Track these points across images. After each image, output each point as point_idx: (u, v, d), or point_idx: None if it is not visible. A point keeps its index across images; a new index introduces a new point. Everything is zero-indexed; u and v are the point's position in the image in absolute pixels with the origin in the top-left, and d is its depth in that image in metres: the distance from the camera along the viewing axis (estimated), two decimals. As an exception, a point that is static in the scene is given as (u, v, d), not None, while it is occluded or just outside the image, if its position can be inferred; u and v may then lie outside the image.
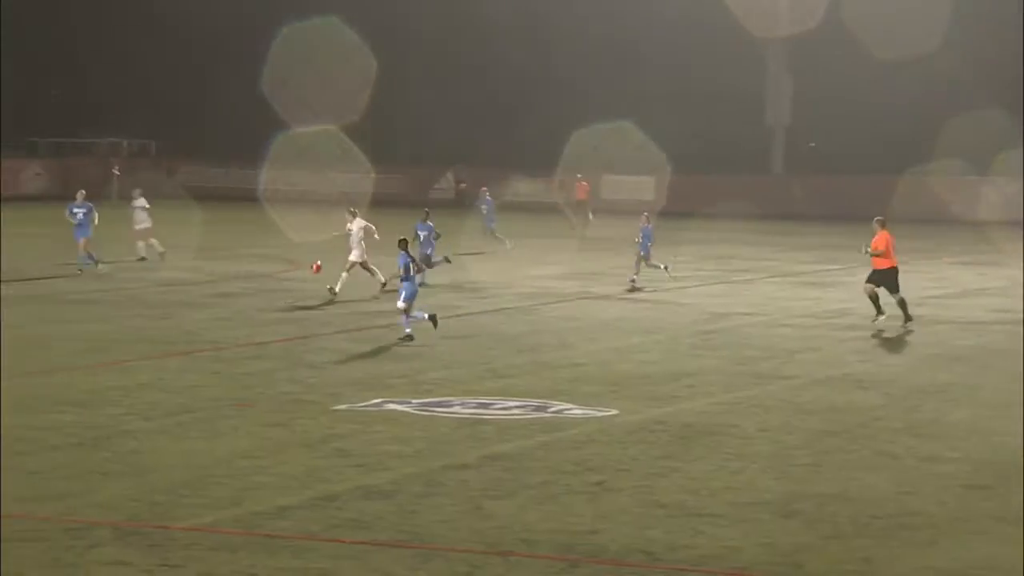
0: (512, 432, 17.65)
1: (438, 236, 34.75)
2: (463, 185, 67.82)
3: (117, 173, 67.89)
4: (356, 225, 31.76)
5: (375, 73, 72.03)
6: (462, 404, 19.38)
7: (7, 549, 12.34)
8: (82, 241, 36.17)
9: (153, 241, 39.12)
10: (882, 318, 27.49)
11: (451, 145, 70.09)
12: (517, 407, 19.23)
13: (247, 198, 69.50)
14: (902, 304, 27.60)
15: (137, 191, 41.05)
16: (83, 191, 37.77)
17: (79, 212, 36.35)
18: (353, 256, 31.56)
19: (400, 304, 25.10)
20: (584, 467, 15.78)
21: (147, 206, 39.97)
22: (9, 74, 76.92)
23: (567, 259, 41.73)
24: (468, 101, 71.71)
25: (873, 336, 26.67)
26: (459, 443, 17.02)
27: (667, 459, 16.29)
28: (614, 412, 18.94)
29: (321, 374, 21.62)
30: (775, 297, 33.04)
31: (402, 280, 25.15)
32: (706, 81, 68.14)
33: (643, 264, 34.29)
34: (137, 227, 39.82)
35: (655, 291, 33.33)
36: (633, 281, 34.05)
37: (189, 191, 70.07)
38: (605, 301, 31.78)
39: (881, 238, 27.67)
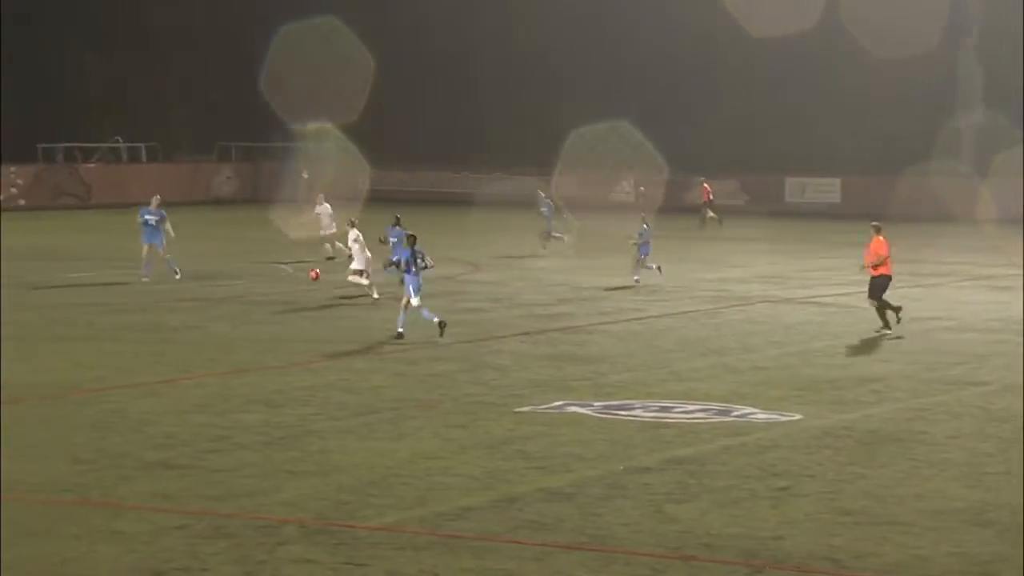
0: (694, 436, 17.52)
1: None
2: (643, 189, 67.60)
3: (305, 177, 69.01)
4: (352, 236, 31.76)
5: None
6: (644, 407, 19.30)
7: (197, 545, 12.59)
8: (146, 247, 34.75)
9: (334, 245, 39.68)
10: (887, 331, 26.50)
11: (629, 148, 69.87)
12: (699, 410, 19.08)
13: (435, 201, 70.02)
14: (880, 309, 26.82)
15: (321, 195, 41.80)
16: (158, 196, 36.75)
17: (151, 218, 35.25)
18: (356, 264, 31.44)
19: (414, 301, 25.33)
20: (768, 472, 15.60)
21: (331, 211, 40.59)
22: (210, 83, 78.84)
23: (749, 262, 41.32)
24: (646, 103, 71.41)
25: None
26: (641, 446, 16.95)
27: (853, 465, 16.03)
28: (799, 417, 18.70)
29: (502, 376, 21.70)
30: (964, 301, 32.33)
31: (406, 273, 25.48)
32: (891, 80, 66.94)
33: (641, 264, 34.96)
34: (323, 232, 40.57)
35: (840, 294, 32.85)
36: (637, 281, 34.61)
37: (383, 194, 71.00)
38: (788, 304, 31.41)
39: (876, 244, 26.95)
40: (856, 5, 64.66)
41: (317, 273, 31.02)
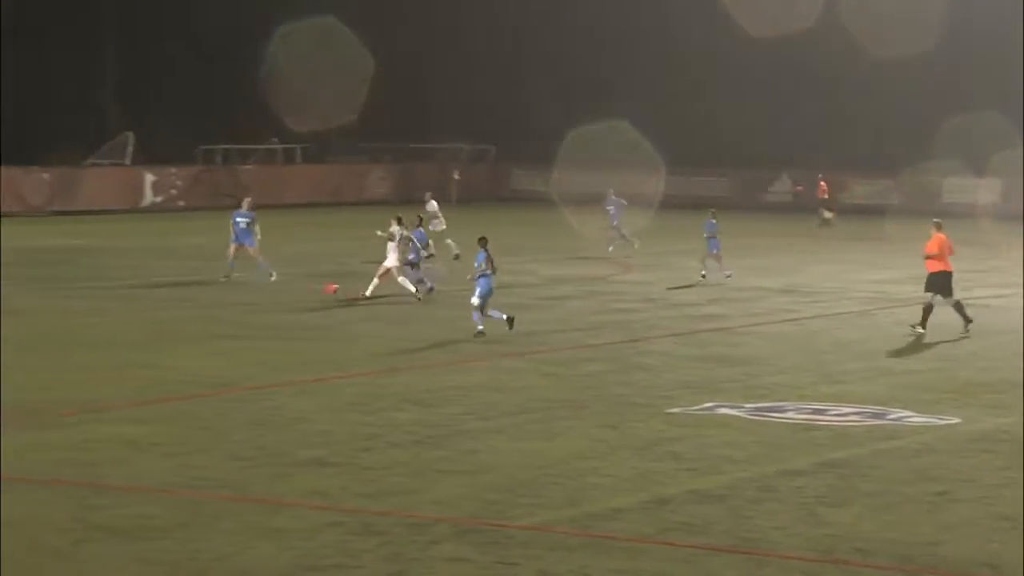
0: (848, 439, 17.32)
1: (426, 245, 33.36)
2: (800, 188, 66.91)
3: (457, 178, 69.46)
4: (397, 233, 31.57)
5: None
6: (796, 409, 19.12)
7: (350, 542, 12.75)
8: (234, 247, 34.76)
9: (449, 242, 40.19)
10: (920, 331, 25.90)
11: (779, 147, 69.13)
12: (853, 413, 18.86)
13: (584, 201, 69.95)
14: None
15: (428, 194, 42.18)
16: (249, 199, 36.77)
17: (243, 220, 35.28)
18: (388, 262, 31.22)
19: (474, 300, 25.46)
20: (924, 476, 15.37)
21: (438, 213, 41.10)
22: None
23: (903, 263, 40.69)
24: (797, 103, 70.62)
25: None
26: (793, 448, 16.80)
27: (1011, 470, 15.73)
28: (955, 420, 18.40)
29: (653, 377, 21.65)
30: None
31: (479, 277, 25.49)
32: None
33: (714, 261, 35.01)
34: (432, 229, 41.07)
35: (996, 296, 32.23)
36: (704, 277, 34.74)
37: (525, 194, 71.21)
38: (942, 306, 30.85)
39: (935, 241, 26.40)
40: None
41: (334, 288, 30.77)
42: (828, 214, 55.37)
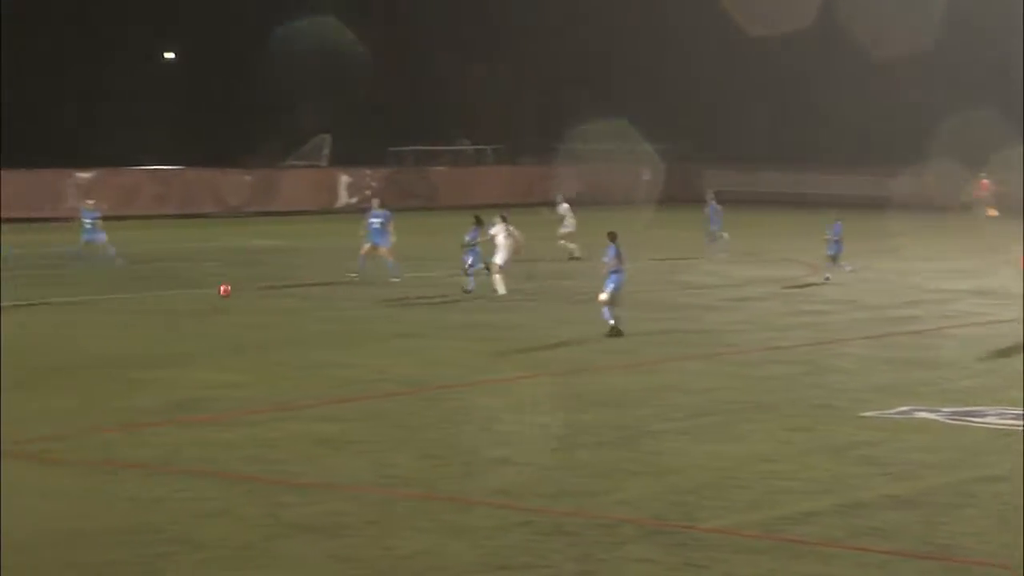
0: (1048, 445, 16.85)
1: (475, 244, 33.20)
2: (997, 188, 65.37)
3: (646, 178, 69.27)
4: (501, 230, 32.21)
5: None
6: (998, 414, 18.64)
7: (539, 542, 12.77)
8: (367, 247, 35.28)
9: (571, 245, 40.45)
10: None
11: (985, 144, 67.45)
12: (1054, 419, 18.33)
13: (767, 201, 69.31)
14: None
15: (559, 195, 42.98)
16: (377, 199, 36.92)
17: (376, 221, 35.83)
18: (497, 259, 31.91)
19: (603, 296, 25.44)
20: None
21: (568, 213, 41.44)
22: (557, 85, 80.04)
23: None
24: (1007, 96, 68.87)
25: None
26: (992, 454, 16.40)
27: None
28: None
29: (844, 380, 21.32)
30: None
31: (610, 273, 25.51)
32: None
33: (833, 263, 34.97)
34: (562, 230, 41.32)
35: None
36: (828, 279, 34.76)
37: (724, 195, 70.68)
38: None
39: None
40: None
41: (227, 289, 31.08)
42: (991, 211, 55.15)
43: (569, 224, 41.50)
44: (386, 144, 74.02)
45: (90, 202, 42.17)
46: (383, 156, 72.81)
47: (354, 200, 65.59)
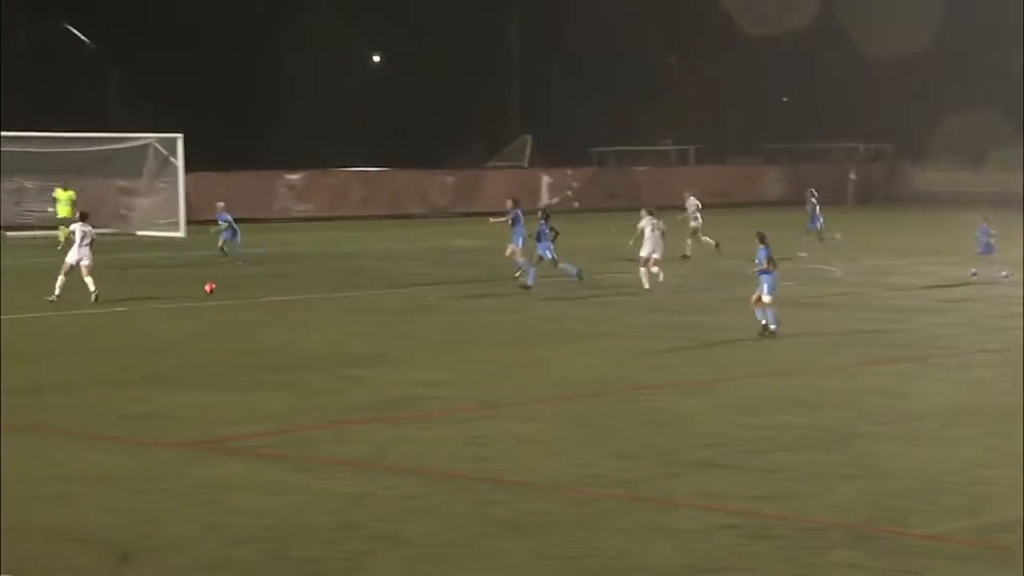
0: None
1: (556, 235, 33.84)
2: None
3: (853, 178, 68.27)
4: (648, 224, 33.18)
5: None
6: None
7: (744, 545, 12.63)
8: (510, 249, 35.12)
9: (698, 240, 40.97)
10: None
11: None
12: None
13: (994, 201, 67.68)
14: None
15: (687, 193, 42.97)
16: (510, 200, 36.67)
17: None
18: (643, 252, 32.92)
19: (765, 297, 25.17)
20: None
21: (699, 206, 41.78)
22: (737, 82, 79.26)
23: None
24: None
25: None
26: None
27: None
28: None
29: (1061, 384, 20.68)
30: None
31: (760, 274, 25.43)
32: None
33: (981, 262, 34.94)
34: (691, 224, 41.74)
35: None
36: (974, 274, 35.20)
37: (926, 195, 69.41)
38: None
39: None
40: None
41: (211, 286, 31.32)
42: None
43: (695, 222, 41.54)
44: (588, 145, 74.14)
45: (220, 204, 42.89)
46: (585, 157, 72.94)
47: (555, 200, 65.81)
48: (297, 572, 11.90)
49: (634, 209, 53.69)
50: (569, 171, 67.77)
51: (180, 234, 50.97)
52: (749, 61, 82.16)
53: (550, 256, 33.52)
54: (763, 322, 25.53)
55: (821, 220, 43.98)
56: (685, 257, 40.13)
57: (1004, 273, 34.96)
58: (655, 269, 33.01)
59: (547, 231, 33.57)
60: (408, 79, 78.10)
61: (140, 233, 51.11)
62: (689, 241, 41.34)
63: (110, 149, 52.98)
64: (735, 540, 12.78)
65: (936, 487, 14.70)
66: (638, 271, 32.91)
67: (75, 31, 69.44)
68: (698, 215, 42.06)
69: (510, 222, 34.89)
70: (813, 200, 43.91)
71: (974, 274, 35.18)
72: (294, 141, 67.33)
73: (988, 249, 35.35)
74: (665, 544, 12.68)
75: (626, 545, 12.65)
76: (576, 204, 66.24)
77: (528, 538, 12.83)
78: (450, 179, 63.16)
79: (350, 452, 16.24)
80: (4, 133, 50.50)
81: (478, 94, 76.74)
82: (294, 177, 59.91)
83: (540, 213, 35.05)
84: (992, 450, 16.50)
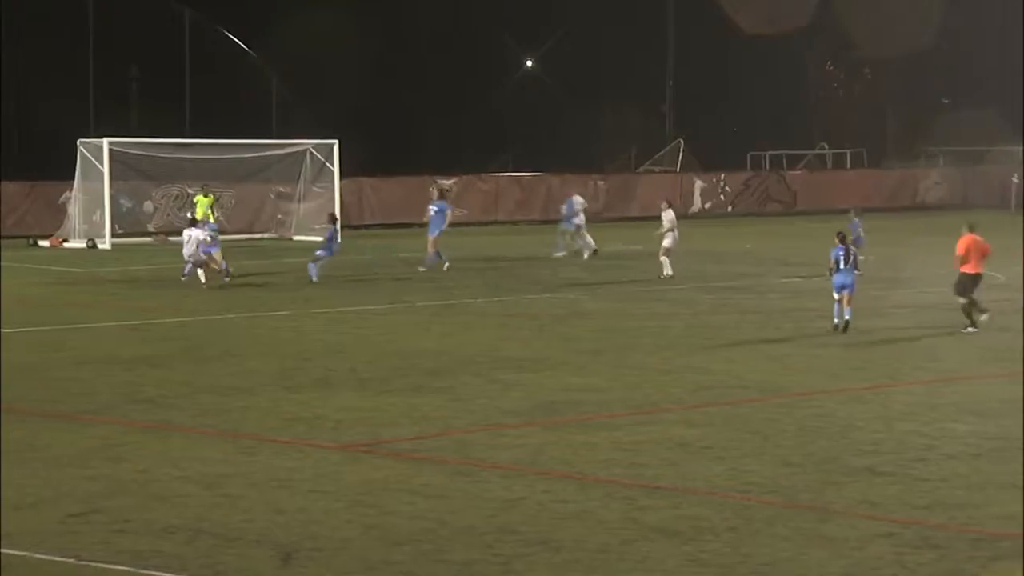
0: None
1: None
2: None
3: (1016, 181, 66.90)
4: (667, 216, 36.28)
5: None
6: None
7: (905, 554, 12.37)
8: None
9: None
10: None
11: None
12: None
13: None
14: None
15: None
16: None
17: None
18: (666, 242, 35.98)
19: (835, 294, 26.32)
20: None
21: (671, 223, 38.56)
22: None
23: None
24: None
25: None
26: None
27: None
28: None
29: None
30: None
31: (836, 273, 26.29)
32: None
33: None
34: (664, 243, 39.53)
35: None
36: None
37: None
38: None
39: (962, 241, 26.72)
40: None
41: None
42: None
43: (669, 236, 36.61)
44: (746, 149, 73.61)
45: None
46: (740, 161, 72.42)
47: (708, 205, 65.45)
48: (452, 575, 11.92)
49: (791, 214, 53.30)
50: (723, 175, 67.34)
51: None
52: (907, 64, 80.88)
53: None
54: (835, 320, 26.27)
55: (861, 238, 39.86)
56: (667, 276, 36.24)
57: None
58: (663, 258, 35.89)
59: None
60: (561, 82, 78.18)
61: (296, 238, 51.77)
62: (661, 258, 36.66)
63: (268, 156, 53.76)
64: (895, 549, 12.53)
65: (1109, 499, 14.27)
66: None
67: (234, 38, 70.65)
68: (671, 227, 36.85)
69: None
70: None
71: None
72: (447, 146, 67.77)
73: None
74: (821, 552, 12.47)
75: (781, 553, 12.47)
76: (730, 209, 65.82)
77: (681, 544, 12.71)
78: (602, 184, 63.08)
79: (505, 456, 16.24)
80: (166, 140, 51.57)
81: (632, 98, 76.53)
82: (448, 182, 60.29)
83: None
84: None
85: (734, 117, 76.52)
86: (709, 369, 22.43)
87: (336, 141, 52.79)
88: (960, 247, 27.01)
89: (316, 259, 35.76)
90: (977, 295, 27.08)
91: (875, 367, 22.78)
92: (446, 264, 37.93)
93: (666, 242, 36.26)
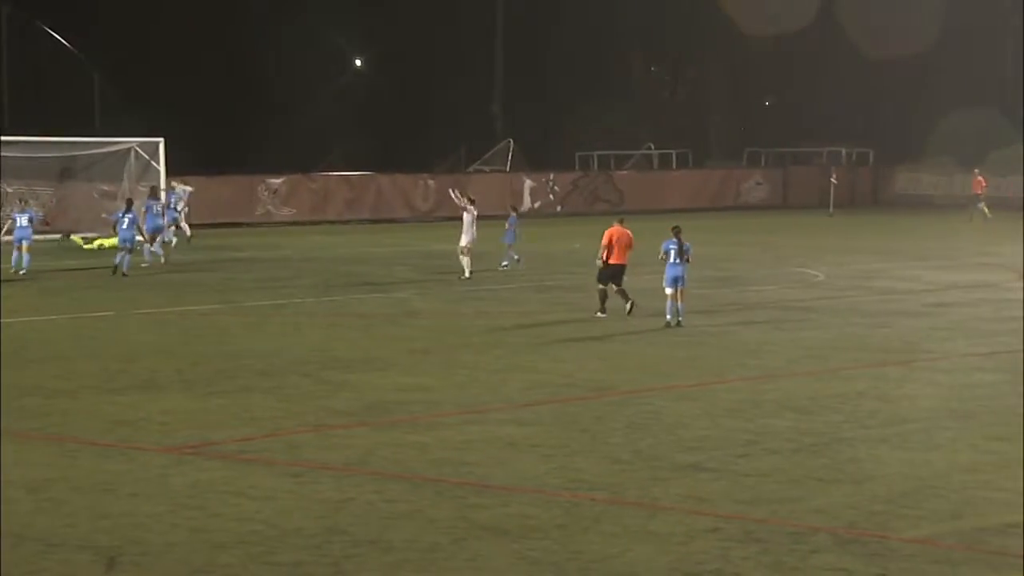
0: None
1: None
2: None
3: (834, 182, 68.34)
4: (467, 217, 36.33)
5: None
6: None
7: (729, 549, 12.60)
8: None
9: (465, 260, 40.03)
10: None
11: None
12: None
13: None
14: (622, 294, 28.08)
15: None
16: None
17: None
18: (463, 241, 36.12)
19: (667, 290, 27.07)
20: None
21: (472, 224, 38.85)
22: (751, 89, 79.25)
23: None
24: None
25: None
26: None
27: None
28: None
29: (1048, 388, 20.69)
30: None
31: (669, 265, 27.01)
32: None
33: None
34: (462, 242, 39.84)
35: None
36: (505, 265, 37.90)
37: (909, 199, 69.48)
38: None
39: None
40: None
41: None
42: (984, 209, 56.71)
43: (468, 235, 36.39)
44: (573, 149, 74.14)
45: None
46: (569, 161, 72.94)
47: (538, 204, 65.84)
48: (281, 577, 11.84)
49: (617, 214, 53.84)
50: (552, 175, 67.79)
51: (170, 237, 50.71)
52: (733, 63, 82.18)
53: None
54: (667, 316, 26.91)
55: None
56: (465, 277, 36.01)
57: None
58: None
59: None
60: (391, 82, 78.03)
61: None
62: (464, 259, 36.39)
63: (94, 153, 52.77)
64: (720, 544, 12.75)
65: (923, 491, 14.68)
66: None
67: (57, 36, 69.29)
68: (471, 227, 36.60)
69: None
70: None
71: (505, 265, 38.04)
72: (277, 145, 67.21)
73: (512, 238, 38.51)
74: (648, 548, 12.64)
75: (609, 549, 12.61)
76: (559, 208, 66.31)
77: (511, 542, 12.79)
78: (432, 183, 63.13)
79: (335, 456, 16.18)
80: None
81: (461, 98, 76.66)
82: (277, 181, 59.81)
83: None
84: (980, 454, 16.50)
85: (559, 117, 77.03)
86: (539, 368, 22.57)
87: (161, 140, 51.99)
88: (605, 238, 28.74)
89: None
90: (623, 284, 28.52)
91: (701, 365, 23.13)
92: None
93: (463, 240, 36.40)
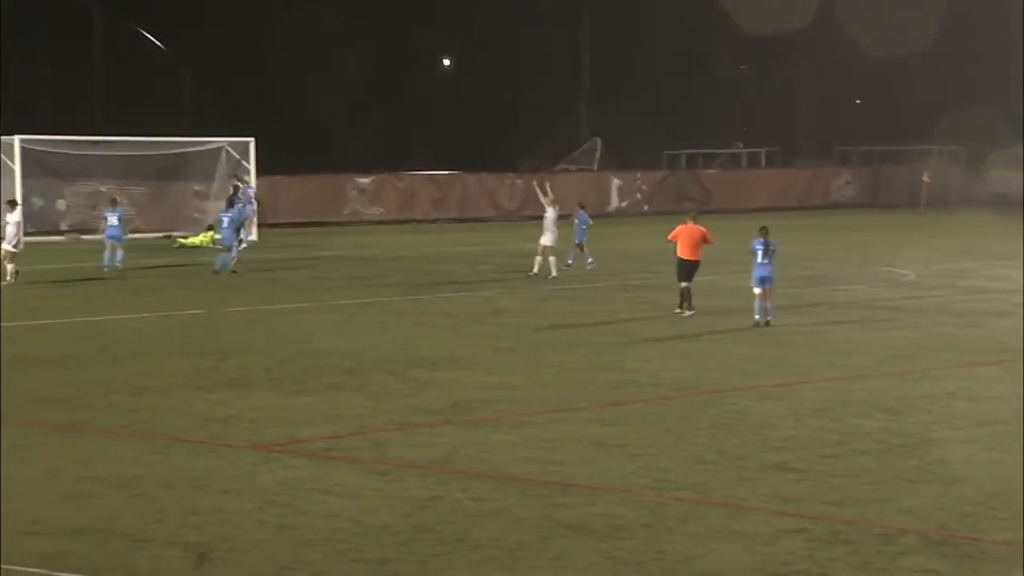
0: None
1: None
2: None
3: (926, 180, 67.71)
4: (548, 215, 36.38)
5: None
6: None
7: (816, 549, 12.50)
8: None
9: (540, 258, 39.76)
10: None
11: None
12: None
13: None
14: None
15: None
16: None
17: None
18: (544, 240, 36.34)
19: (756, 289, 27.02)
20: None
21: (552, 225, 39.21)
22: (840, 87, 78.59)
23: None
24: None
25: None
26: None
27: None
28: None
29: None
30: None
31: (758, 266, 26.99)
32: None
33: None
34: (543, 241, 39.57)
35: None
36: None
37: (997, 198, 68.66)
38: None
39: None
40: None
41: None
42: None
43: (551, 233, 36.42)
44: (661, 148, 73.99)
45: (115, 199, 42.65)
46: (656, 160, 72.79)
47: (625, 203, 65.76)
48: (368, 574, 11.90)
49: (705, 212, 53.89)
50: (639, 174, 67.66)
51: (253, 237, 51.23)
52: (822, 63, 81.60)
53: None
54: (756, 316, 26.68)
55: None
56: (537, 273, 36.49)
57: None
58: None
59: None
60: (477, 82, 78.21)
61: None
62: (538, 257, 36.75)
63: (185, 152, 53.36)
64: (806, 544, 12.66)
65: (1013, 492, 14.48)
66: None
67: (149, 35, 70.06)
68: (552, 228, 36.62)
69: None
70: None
71: (569, 263, 37.81)
72: (365, 145, 67.61)
73: (582, 236, 38.40)
74: (734, 548, 12.58)
75: (694, 549, 12.56)
76: (646, 207, 66.16)
77: (596, 541, 12.77)
78: (519, 182, 63.20)
79: (420, 455, 16.24)
80: (84, 138, 51.02)
81: (547, 97, 76.71)
82: (365, 180, 60.14)
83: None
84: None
85: (650, 116, 76.87)
86: (624, 367, 22.52)
87: (252, 139, 52.48)
88: (672, 234, 29.11)
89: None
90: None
91: (788, 364, 22.99)
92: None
93: (544, 240, 36.23)
